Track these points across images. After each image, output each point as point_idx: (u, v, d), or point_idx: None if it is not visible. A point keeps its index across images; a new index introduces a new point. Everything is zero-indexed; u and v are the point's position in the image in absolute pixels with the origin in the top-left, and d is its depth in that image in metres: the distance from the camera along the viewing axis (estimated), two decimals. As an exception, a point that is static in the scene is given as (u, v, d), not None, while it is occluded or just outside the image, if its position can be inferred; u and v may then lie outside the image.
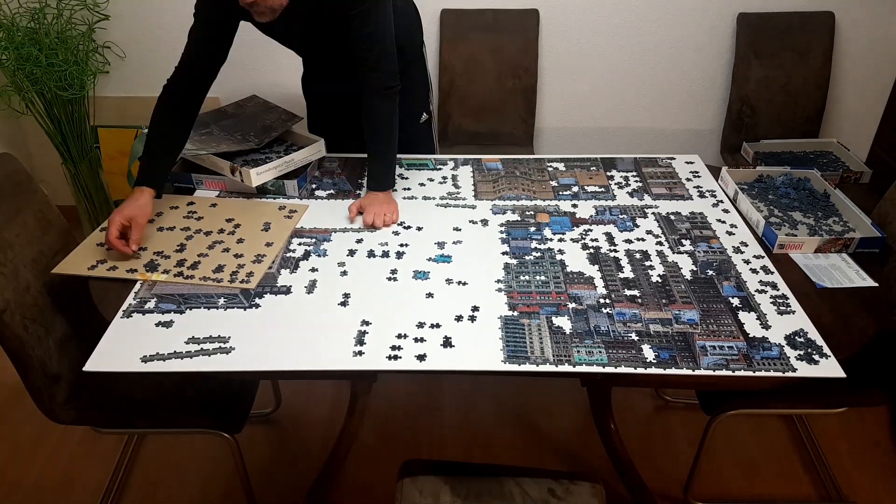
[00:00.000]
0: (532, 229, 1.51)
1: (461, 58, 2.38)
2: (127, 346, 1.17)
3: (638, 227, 1.52)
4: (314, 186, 1.69)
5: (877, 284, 1.32)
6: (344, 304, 1.27)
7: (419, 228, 1.51)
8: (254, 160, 1.69)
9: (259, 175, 1.57)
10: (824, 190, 1.66)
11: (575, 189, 1.68)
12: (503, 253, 1.42)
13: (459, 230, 1.51)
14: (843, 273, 1.36)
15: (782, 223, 1.54)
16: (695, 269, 1.37)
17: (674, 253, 1.43)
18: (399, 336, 1.19)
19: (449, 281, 1.33)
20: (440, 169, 1.78)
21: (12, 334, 1.19)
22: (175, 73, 1.58)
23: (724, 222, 1.54)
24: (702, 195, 1.66)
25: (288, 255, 1.42)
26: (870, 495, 1.69)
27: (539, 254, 1.42)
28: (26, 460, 1.79)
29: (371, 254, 1.42)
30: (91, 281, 1.33)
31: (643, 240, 1.47)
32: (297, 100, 2.55)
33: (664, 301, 1.28)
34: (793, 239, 1.43)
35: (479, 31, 2.37)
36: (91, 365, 1.13)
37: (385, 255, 1.41)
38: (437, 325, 1.21)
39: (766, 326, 1.21)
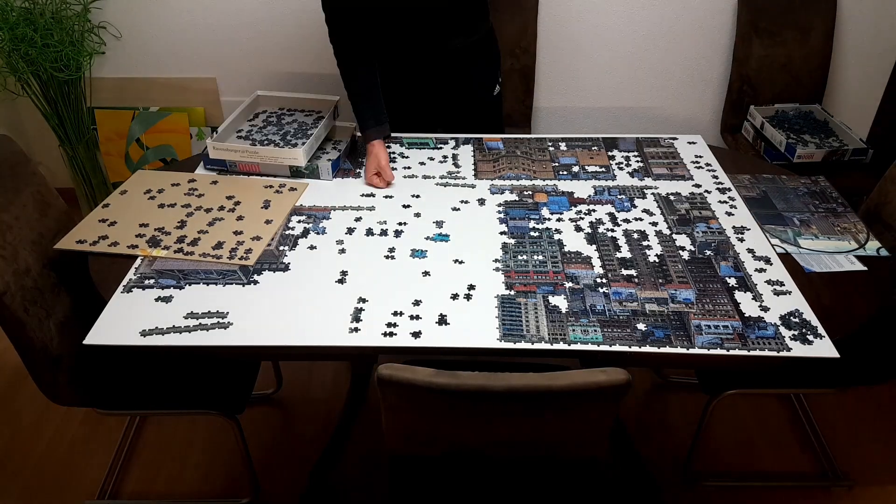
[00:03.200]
0: (530, 209, 1.51)
1: None
2: (127, 321, 1.18)
3: (636, 207, 1.52)
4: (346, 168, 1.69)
5: (865, 269, 1.32)
6: (341, 281, 1.28)
7: (417, 214, 1.51)
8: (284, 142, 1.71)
9: (305, 154, 1.59)
10: (824, 118, 2.31)
11: (575, 169, 1.67)
12: (501, 233, 1.42)
13: (458, 210, 1.51)
14: (833, 258, 1.36)
15: (797, 142, 2.17)
16: (693, 249, 1.37)
17: (672, 233, 1.43)
18: (395, 314, 1.19)
19: (446, 260, 1.34)
20: (441, 148, 1.77)
21: (13, 316, 1.20)
22: (334, 46, 1.65)
23: (724, 202, 1.54)
24: (703, 175, 1.65)
25: (287, 232, 1.42)
26: (866, 472, 1.71)
27: (537, 233, 1.42)
28: (29, 442, 1.81)
29: (370, 232, 1.42)
30: (91, 263, 1.33)
31: (641, 219, 1.47)
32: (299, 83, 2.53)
33: (661, 281, 1.28)
34: (807, 150, 2.10)
35: None
36: (91, 338, 1.15)
37: (384, 233, 1.42)
38: (434, 304, 1.22)
39: (762, 307, 1.22)
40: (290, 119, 1.82)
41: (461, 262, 1.33)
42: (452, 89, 1.79)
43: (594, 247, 1.38)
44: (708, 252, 1.36)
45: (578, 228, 1.44)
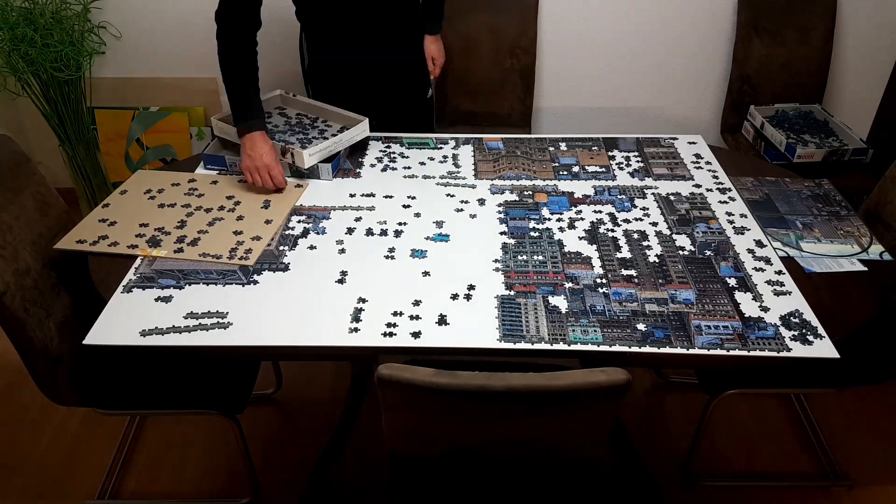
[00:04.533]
0: (530, 209, 1.51)
1: (458, 37, 2.36)
2: (126, 321, 1.18)
3: (636, 207, 1.52)
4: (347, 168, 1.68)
5: (866, 269, 1.32)
6: (341, 281, 1.28)
7: (417, 214, 1.51)
8: (297, 140, 1.69)
9: (311, 156, 1.57)
10: (824, 118, 2.31)
11: (576, 169, 1.67)
12: (501, 233, 1.42)
13: (459, 210, 1.51)
14: (834, 258, 1.36)
15: (797, 142, 2.17)
16: (693, 249, 1.37)
17: (672, 233, 1.43)
18: (395, 314, 1.19)
19: (446, 260, 1.34)
20: (441, 148, 1.77)
21: (13, 316, 1.20)
22: (227, 20, 1.54)
23: (724, 203, 1.54)
24: (703, 176, 1.65)
25: (287, 232, 1.42)
26: (866, 472, 1.71)
27: (537, 234, 1.42)
28: (29, 442, 1.81)
29: (369, 232, 1.42)
30: (91, 263, 1.33)
31: (641, 220, 1.47)
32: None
33: (661, 281, 1.28)
34: (807, 150, 2.10)
35: (476, 11, 2.35)
36: (91, 338, 1.14)
37: (383, 233, 1.42)
38: (434, 304, 1.22)
39: (762, 307, 1.22)
40: (312, 125, 1.78)
41: (461, 263, 1.33)
42: (386, 87, 1.86)
43: (594, 247, 1.38)
44: (708, 252, 1.36)
45: (581, 227, 1.44)
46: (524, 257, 1.34)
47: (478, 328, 1.17)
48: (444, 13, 1.94)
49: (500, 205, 1.52)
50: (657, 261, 1.34)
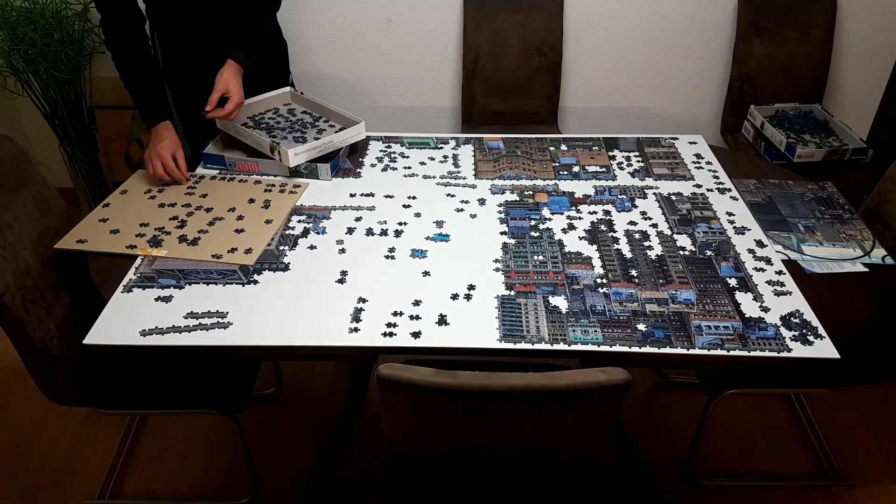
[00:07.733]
0: (530, 209, 1.51)
1: (486, 36, 2.35)
2: (126, 320, 1.18)
3: (637, 207, 1.52)
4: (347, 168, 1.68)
5: (866, 269, 1.32)
6: (341, 281, 1.28)
7: (417, 214, 1.51)
8: (293, 139, 1.68)
9: (297, 155, 1.57)
10: (824, 118, 2.31)
11: (576, 169, 1.67)
12: (501, 233, 1.42)
13: (459, 210, 1.50)
14: (836, 262, 1.35)
15: (797, 142, 2.17)
16: (694, 249, 1.37)
17: (673, 233, 1.42)
18: (395, 314, 1.19)
19: (446, 260, 1.34)
20: (441, 148, 1.77)
21: (13, 316, 1.20)
22: (111, 26, 1.62)
23: (725, 203, 1.53)
24: (704, 176, 1.65)
25: (287, 232, 1.42)
26: (866, 472, 1.71)
27: (537, 234, 1.42)
28: (29, 442, 1.81)
29: (370, 232, 1.42)
30: (91, 263, 1.33)
31: (642, 220, 1.47)
32: (319, 84, 2.53)
33: (661, 281, 1.28)
34: (807, 150, 2.11)
35: (504, 10, 2.34)
36: (91, 338, 1.14)
37: (384, 233, 1.42)
38: (434, 304, 1.22)
39: (762, 307, 1.22)
40: (313, 125, 1.76)
41: (461, 263, 1.33)
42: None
43: (595, 247, 1.38)
44: (709, 252, 1.36)
45: (582, 227, 1.44)
46: (524, 257, 1.34)
47: (478, 328, 1.17)
48: (258, 44, 1.66)
49: (500, 205, 1.52)
50: (657, 261, 1.34)
